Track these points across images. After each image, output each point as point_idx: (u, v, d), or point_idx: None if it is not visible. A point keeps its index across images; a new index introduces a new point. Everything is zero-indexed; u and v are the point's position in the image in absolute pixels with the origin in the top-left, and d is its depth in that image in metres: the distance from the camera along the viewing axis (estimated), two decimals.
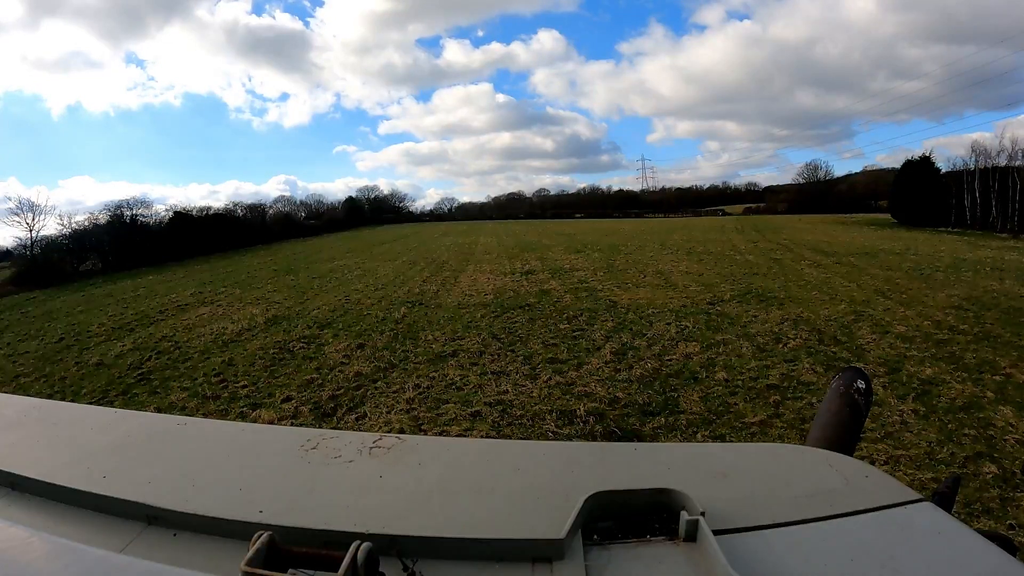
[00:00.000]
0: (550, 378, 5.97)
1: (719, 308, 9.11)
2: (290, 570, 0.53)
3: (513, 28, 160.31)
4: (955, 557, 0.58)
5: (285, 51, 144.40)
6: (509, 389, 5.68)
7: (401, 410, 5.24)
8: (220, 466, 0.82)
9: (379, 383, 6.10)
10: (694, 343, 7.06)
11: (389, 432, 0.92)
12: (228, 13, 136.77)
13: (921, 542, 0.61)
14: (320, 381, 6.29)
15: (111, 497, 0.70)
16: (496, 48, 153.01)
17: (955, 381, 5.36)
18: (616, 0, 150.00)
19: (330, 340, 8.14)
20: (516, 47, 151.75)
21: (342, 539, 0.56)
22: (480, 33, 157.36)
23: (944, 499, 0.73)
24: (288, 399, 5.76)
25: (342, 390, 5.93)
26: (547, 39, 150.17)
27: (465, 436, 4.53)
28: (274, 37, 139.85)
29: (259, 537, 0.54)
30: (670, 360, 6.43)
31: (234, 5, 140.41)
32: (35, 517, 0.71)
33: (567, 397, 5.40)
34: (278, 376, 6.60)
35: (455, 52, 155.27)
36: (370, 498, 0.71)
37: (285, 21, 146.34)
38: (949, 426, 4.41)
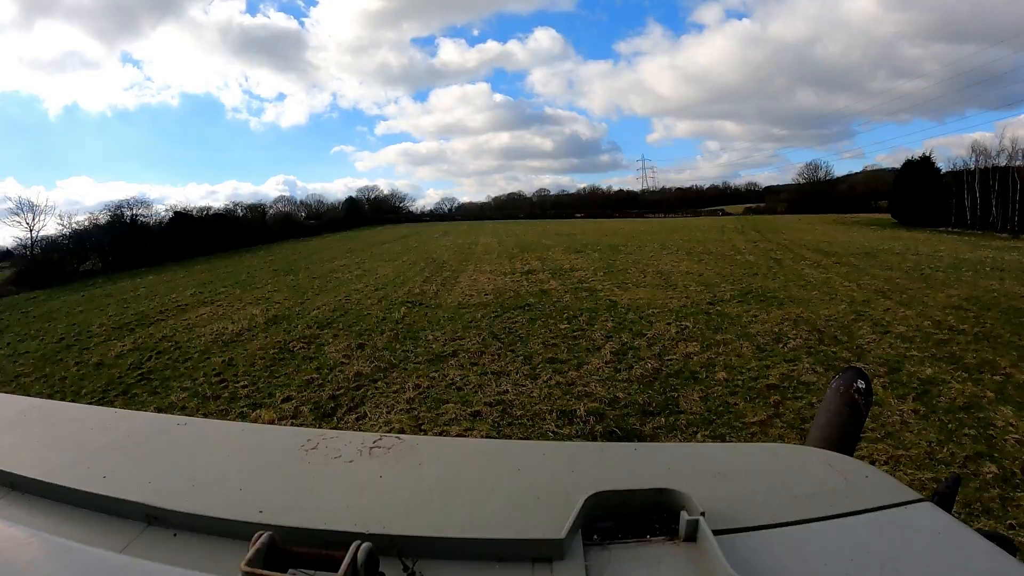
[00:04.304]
0: (550, 378, 5.96)
1: (719, 308, 9.11)
2: (290, 570, 0.53)
3: (509, 27, 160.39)
4: (955, 557, 0.58)
5: (280, 51, 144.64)
6: (509, 389, 5.68)
7: (401, 410, 5.24)
8: (220, 466, 0.82)
9: (379, 383, 6.09)
10: (694, 343, 7.05)
11: (389, 432, 0.92)
12: (222, 13, 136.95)
13: (921, 542, 0.61)
14: (320, 381, 6.28)
15: (111, 497, 0.70)
16: (492, 47, 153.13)
17: (955, 381, 5.36)
18: None
19: (330, 340, 8.13)
20: (513, 46, 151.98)
21: (342, 539, 0.56)
22: (475, 32, 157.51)
23: (944, 499, 0.73)
24: (288, 399, 5.76)
25: (342, 390, 5.92)
26: (544, 38, 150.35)
27: (465, 436, 4.53)
28: (269, 37, 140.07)
29: (259, 537, 0.54)
30: (670, 360, 6.42)
31: (228, 5, 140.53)
32: (35, 517, 0.71)
33: (567, 397, 5.39)
34: (278, 376, 6.60)
35: (450, 51, 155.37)
36: (370, 498, 0.70)
37: (280, 21, 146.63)
38: (949, 426, 4.41)
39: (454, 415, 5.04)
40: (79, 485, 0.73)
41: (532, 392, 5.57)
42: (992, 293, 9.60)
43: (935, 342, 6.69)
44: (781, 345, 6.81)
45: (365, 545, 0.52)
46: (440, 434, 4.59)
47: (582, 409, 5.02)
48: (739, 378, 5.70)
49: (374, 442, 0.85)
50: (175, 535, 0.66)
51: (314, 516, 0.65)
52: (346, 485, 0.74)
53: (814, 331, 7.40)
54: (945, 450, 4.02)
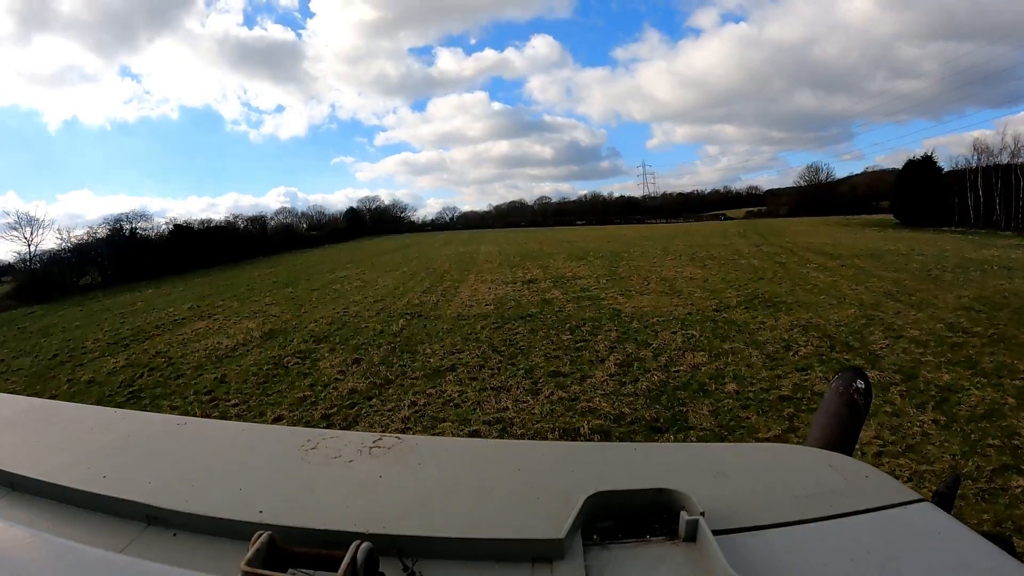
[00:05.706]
0: (552, 393, 5.82)
1: (726, 315, 9.01)
2: (290, 570, 0.53)
3: (506, 35, 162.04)
4: (955, 557, 0.58)
5: (278, 62, 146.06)
6: (509, 406, 5.55)
7: (395, 430, 5.15)
8: (220, 466, 0.82)
9: (374, 400, 5.97)
10: (702, 353, 6.92)
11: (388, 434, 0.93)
12: (218, 25, 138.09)
13: (921, 542, 0.61)
14: (313, 399, 6.18)
15: (111, 497, 0.71)
16: (489, 55, 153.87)
17: (974, 387, 5.21)
18: (609, 5, 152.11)
19: (326, 355, 8.04)
20: (510, 53, 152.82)
21: (342, 539, 0.56)
22: (472, 41, 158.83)
23: (944, 499, 0.74)
24: (279, 419, 5.67)
25: (335, 408, 5.81)
26: (541, 45, 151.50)
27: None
28: (266, 48, 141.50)
29: (259, 537, 0.54)
30: (677, 371, 6.28)
31: (224, 17, 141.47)
32: (35, 517, 0.71)
33: (570, 414, 5.25)
34: (270, 394, 6.49)
35: (448, 60, 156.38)
36: (370, 498, 0.71)
37: (277, 32, 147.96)
38: (972, 436, 4.25)
39: (451, 435, 4.92)
40: (79, 485, 0.73)
41: (533, 409, 5.44)
42: (1002, 293, 9.51)
43: (949, 346, 6.55)
44: (791, 353, 6.68)
45: (365, 545, 0.52)
46: None
47: (586, 427, 4.90)
48: (750, 390, 5.56)
49: (374, 442, 0.85)
50: (175, 535, 0.66)
51: (314, 516, 0.65)
52: (346, 485, 0.75)
53: (824, 337, 7.28)
54: (971, 463, 3.86)
